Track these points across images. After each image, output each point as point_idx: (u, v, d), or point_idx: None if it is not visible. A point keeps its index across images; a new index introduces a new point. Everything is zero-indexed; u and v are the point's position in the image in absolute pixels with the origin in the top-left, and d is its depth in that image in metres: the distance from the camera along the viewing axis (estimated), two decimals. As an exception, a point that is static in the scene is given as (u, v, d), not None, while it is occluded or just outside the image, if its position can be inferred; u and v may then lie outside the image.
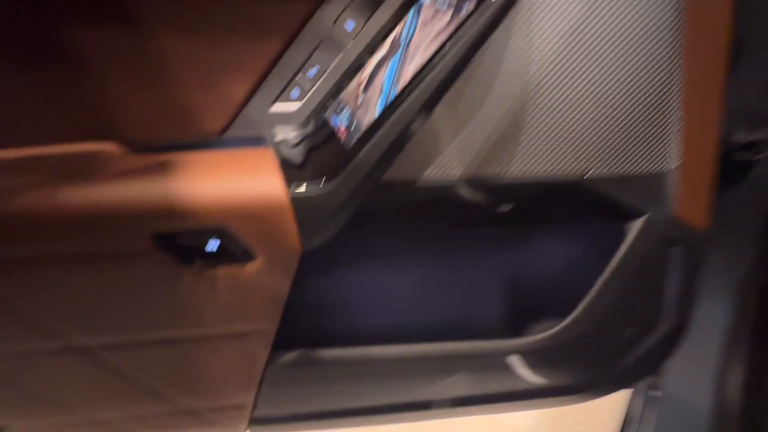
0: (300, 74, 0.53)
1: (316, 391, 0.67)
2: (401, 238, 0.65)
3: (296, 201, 0.51)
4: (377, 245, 0.65)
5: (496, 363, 0.66)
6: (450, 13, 0.49)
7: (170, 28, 0.49)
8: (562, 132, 0.56)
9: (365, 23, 0.52)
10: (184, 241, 0.51)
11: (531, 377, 0.67)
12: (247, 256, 0.53)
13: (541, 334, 0.65)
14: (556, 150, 0.56)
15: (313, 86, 0.54)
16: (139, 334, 0.57)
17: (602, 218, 0.62)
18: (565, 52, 0.53)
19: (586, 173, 0.57)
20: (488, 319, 0.69)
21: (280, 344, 0.61)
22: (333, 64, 0.53)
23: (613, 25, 0.52)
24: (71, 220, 0.48)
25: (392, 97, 0.50)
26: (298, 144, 0.55)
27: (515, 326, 0.68)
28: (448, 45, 0.49)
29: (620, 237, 0.62)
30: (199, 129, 0.53)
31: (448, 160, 0.56)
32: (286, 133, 0.55)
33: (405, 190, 0.56)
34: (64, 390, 0.61)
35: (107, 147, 0.51)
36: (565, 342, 0.64)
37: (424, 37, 0.50)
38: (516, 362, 0.66)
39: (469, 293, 0.68)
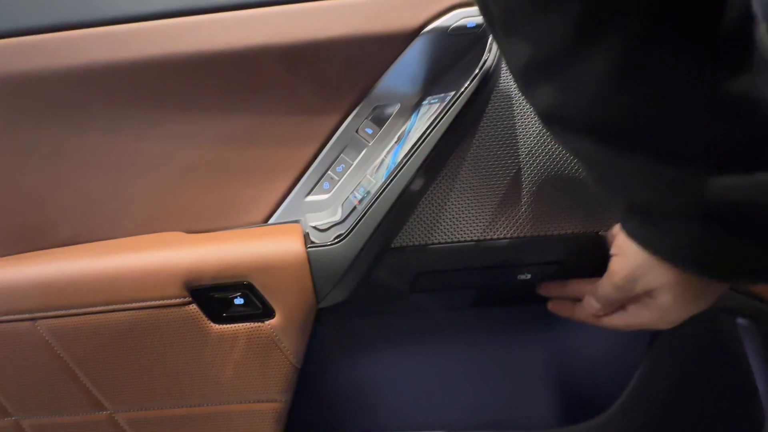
0: (330, 170, 0.65)
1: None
2: (427, 317, 0.65)
3: (311, 255, 0.57)
4: (403, 327, 0.65)
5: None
6: (438, 105, 0.61)
7: (233, 140, 0.65)
8: (569, 190, 0.59)
9: (381, 129, 0.65)
10: (213, 297, 0.58)
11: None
12: (267, 314, 0.58)
13: (582, 424, 0.56)
14: (566, 209, 0.59)
15: (340, 179, 0.65)
16: (163, 404, 0.59)
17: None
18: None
19: (600, 229, 0.58)
20: (526, 409, 0.61)
21: None
22: (356, 161, 0.65)
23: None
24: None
25: (393, 166, 0.60)
26: (327, 228, 0.63)
27: (558, 416, 0.59)
28: (436, 122, 0.59)
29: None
30: (247, 218, 0.65)
31: (458, 224, 0.60)
32: (318, 219, 0.64)
33: (418, 253, 0.60)
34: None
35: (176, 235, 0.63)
36: None
37: (420, 125, 0.61)
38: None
39: (501, 379, 0.62)
